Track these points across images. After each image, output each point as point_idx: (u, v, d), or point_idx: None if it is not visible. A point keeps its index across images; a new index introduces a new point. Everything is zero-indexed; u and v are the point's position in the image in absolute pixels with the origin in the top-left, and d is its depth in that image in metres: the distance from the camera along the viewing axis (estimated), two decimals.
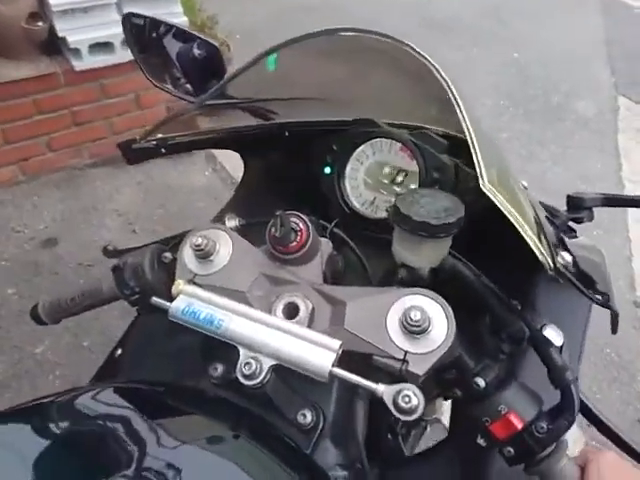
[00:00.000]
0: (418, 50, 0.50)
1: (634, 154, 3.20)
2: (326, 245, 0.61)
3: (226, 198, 0.93)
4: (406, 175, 0.72)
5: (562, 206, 0.76)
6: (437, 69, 0.50)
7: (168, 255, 0.62)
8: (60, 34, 2.13)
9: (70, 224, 2.29)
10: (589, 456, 0.48)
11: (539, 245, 0.43)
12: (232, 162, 2.49)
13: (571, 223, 0.71)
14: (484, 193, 0.44)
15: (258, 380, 0.46)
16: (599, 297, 0.48)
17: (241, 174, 0.94)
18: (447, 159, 0.68)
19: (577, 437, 1.55)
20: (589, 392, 1.90)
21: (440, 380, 0.54)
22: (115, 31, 2.15)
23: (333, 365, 0.45)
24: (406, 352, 0.46)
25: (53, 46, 2.23)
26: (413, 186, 0.71)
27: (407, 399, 0.43)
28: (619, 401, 1.92)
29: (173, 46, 0.89)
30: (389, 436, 0.78)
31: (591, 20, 4.70)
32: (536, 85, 3.71)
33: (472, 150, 0.44)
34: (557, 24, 4.55)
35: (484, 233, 0.59)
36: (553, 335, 0.52)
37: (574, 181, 2.92)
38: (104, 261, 0.74)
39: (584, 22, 4.66)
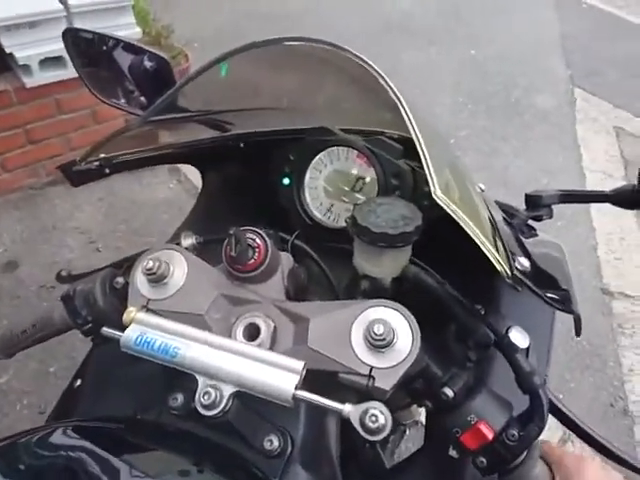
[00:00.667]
0: (362, 57, 0.49)
1: (593, 144, 3.28)
2: (286, 259, 0.60)
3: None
4: (365, 182, 0.71)
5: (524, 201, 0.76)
6: (381, 75, 0.49)
7: (120, 280, 0.59)
8: (7, 50, 2.06)
9: (30, 245, 2.22)
10: (568, 464, 0.48)
11: (495, 253, 0.43)
12: (197, 173, 2.45)
13: (531, 221, 0.71)
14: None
15: (218, 409, 0.44)
16: (558, 298, 0.48)
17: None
18: (404, 164, 0.67)
19: (550, 434, 1.57)
20: (562, 381, 1.94)
21: (409, 390, 0.53)
22: None
23: (297, 388, 0.43)
24: (372, 367, 0.45)
25: (2, 63, 2.16)
26: (374, 190, 0.70)
27: (374, 418, 0.42)
28: (592, 387, 1.96)
29: (124, 60, 0.86)
30: (367, 445, 0.77)
31: (544, 15, 4.82)
32: (495, 81, 3.78)
33: (423, 160, 0.43)
34: (512, 20, 4.66)
35: (444, 237, 0.59)
36: (518, 338, 0.51)
37: (536, 174, 2.98)
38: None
39: (538, 17, 4.77)
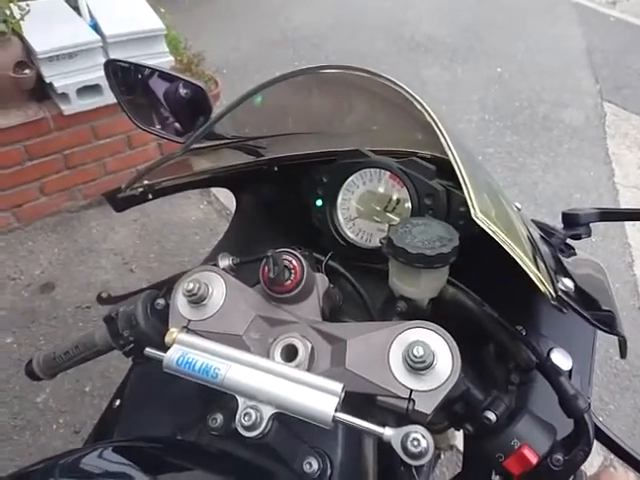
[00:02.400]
0: (397, 82, 0.50)
1: (625, 159, 3.22)
2: (322, 280, 0.60)
3: (222, 230, 0.92)
4: (398, 202, 0.72)
5: (557, 214, 0.75)
6: (418, 100, 0.49)
7: (161, 302, 0.61)
8: (47, 80, 2.15)
9: (66, 267, 2.28)
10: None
11: (539, 274, 0.42)
12: (227, 194, 2.49)
13: (569, 240, 0.70)
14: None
15: (259, 431, 0.45)
16: (604, 320, 0.47)
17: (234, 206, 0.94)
18: (437, 184, 0.67)
19: (590, 460, 1.52)
20: (601, 402, 1.87)
21: (449, 413, 0.53)
22: (102, 74, 2.15)
23: (336, 410, 0.44)
24: (411, 390, 0.44)
25: (42, 92, 2.25)
26: (407, 208, 0.70)
27: (416, 442, 0.41)
28: (634, 410, 1.88)
29: (159, 88, 0.89)
30: (402, 468, 0.76)
31: (570, 31, 4.79)
32: (521, 97, 3.75)
33: (462, 182, 0.44)
34: (537, 37, 4.63)
35: (480, 256, 0.58)
36: (561, 359, 0.50)
37: (567, 189, 2.93)
38: None
39: (563, 33, 4.74)
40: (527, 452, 0.46)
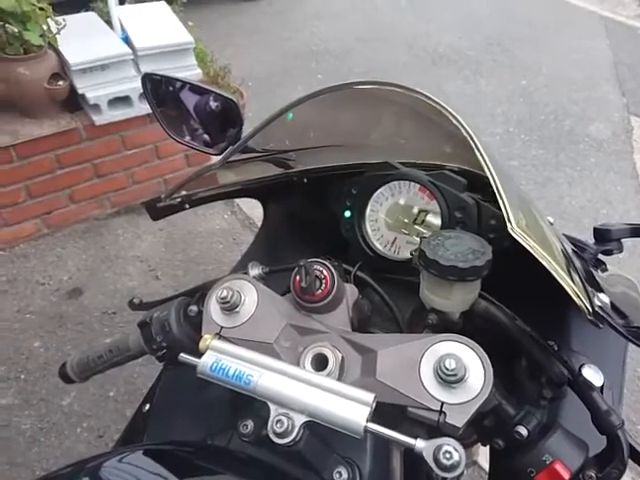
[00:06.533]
0: (434, 99, 0.51)
1: None
2: (351, 290, 0.61)
3: (244, 239, 0.93)
4: (427, 214, 0.72)
5: (583, 229, 0.74)
6: (453, 114, 0.50)
7: (194, 308, 0.62)
8: (80, 91, 2.22)
9: (94, 273, 2.32)
10: None
11: (575, 289, 0.42)
12: (250, 204, 2.52)
13: (600, 255, 0.69)
14: (512, 235, 0.44)
15: (290, 438, 0.45)
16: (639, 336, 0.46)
17: (257, 214, 0.95)
18: (468, 197, 0.67)
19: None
20: (628, 422, 1.82)
21: (479, 428, 0.52)
22: (132, 85, 2.23)
23: (368, 420, 0.44)
24: (442, 403, 0.44)
25: (74, 103, 2.32)
26: (435, 222, 0.70)
27: (448, 455, 0.41)
28: None
29: (191, 100, 0.92)
30: None
31: (596, 44, 4.74)
32: (547, 110, 3.72)
33: (498, 196, 0.44)
34: (562, 50, 4.59)
35: (510, 269, 0.58)
36: (593, 375, 0.50)
37: (594, 204, 2.88)
38: (127, 308, 0.75)
39: (589, 46, 4.69)
40: (559, 468, 0.45)
